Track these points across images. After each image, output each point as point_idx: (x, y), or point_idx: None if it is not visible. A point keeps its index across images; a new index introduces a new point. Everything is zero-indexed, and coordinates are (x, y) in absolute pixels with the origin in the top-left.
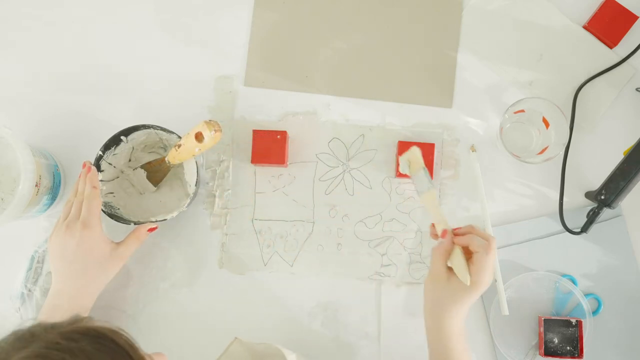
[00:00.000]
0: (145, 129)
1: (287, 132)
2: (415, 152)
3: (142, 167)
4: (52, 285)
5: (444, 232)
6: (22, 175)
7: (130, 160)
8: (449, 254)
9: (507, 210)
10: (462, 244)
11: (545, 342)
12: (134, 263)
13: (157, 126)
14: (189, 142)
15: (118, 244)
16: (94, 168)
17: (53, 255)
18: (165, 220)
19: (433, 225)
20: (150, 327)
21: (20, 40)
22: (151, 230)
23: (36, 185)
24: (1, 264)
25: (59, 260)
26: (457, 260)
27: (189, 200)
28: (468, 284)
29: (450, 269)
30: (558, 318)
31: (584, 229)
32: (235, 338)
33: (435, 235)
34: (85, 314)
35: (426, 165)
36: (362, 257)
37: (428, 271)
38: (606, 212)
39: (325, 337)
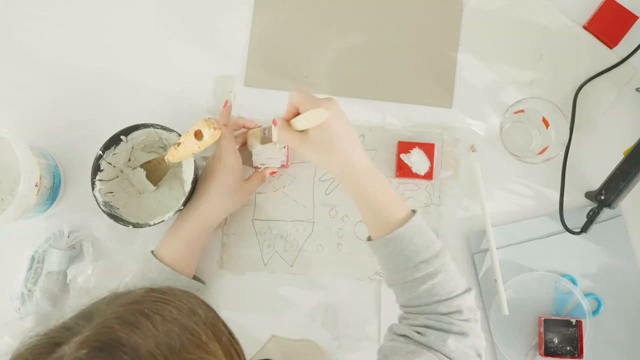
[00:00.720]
0: (145, 128)
1: None
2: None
3: (141, 166)
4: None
5: (274, 121)
6: (22, 175)
7: (129, 160)
8: (288, 122)
9: (507, 210)
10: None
11: (545, 342)
12: (134, 263)
13: (157, 125)
14: (188, 140)
15: (246, 179)
16: (229, 104)
17: (200, 176)
18: (162, 221)
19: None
20: None
21: (20, 40)
22: (272, 173)
23: (36, 185)
24: (1, 264)
25: (200, 181)
26: (300, 118)
27: (185, 199)
28: (326, 114)
29: (303, 132)
30: (558, 318)
31: (584, 229)
32: (272, 335)
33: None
34: (205, 236)
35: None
36: (362, 257)
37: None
38: (606, 212)
39: (325, 337)
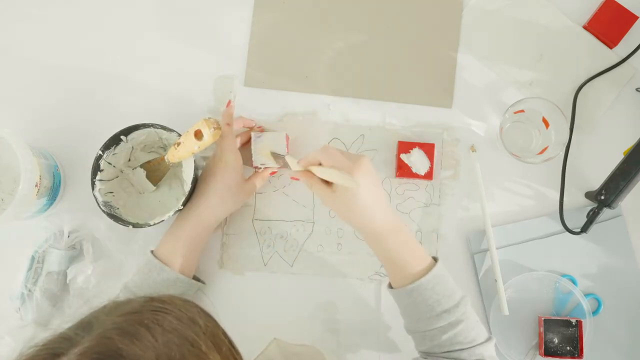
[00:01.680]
0: (145, 127)
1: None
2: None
3: (141, 166)
4: (187, 203)
5: (303, 173)
6: (22, 175)
7: (129, 160)
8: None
9: (507, 210)
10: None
11: (545, 342)
12: (134, 263)
13: (157, 124)
14: (188, 140)
15: (247, 179)
16: (232, 104)
17: (200, 176)
18: (162, 221)
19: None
20: None
21: (20, 40)
22: (272, 173)
23: (36, 186)
24: (1, 264)
25: (200, 180)
26: (328, 172)
27: (184, 199)
28: (357, 185)
29: (328, 183)
30: (558, 318)
31: (584, 229)
32: (274, 339)
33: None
34: (205, 237)
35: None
36: (362, 257)
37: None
38: (606, 212)
39: (325, 337)
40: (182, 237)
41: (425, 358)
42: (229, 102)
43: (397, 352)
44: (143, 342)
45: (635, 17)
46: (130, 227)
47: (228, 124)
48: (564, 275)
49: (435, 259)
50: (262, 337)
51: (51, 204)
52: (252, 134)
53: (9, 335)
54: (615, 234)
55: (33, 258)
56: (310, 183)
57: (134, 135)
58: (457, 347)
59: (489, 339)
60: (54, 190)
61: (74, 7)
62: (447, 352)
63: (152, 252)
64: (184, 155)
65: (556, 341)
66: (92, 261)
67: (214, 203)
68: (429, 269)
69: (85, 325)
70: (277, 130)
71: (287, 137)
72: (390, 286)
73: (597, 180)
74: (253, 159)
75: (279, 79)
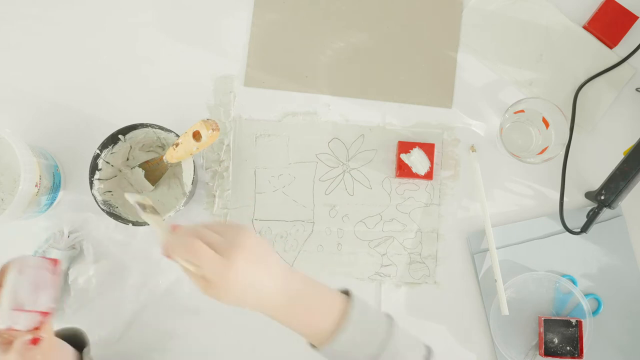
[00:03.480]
0: (144, 127)
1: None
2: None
3: (139, 166)
4: None
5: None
6: (22, 175)
7: (128, 159)
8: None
9: (507, 210)
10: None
11: (545, 342)
12: (134, 263)
13: (155, 125)
14: (186, 141)
15: None
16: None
17: None
18: (163, 220)
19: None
20: (149, 326)
21: (20, 40)
22: (35, 342)
23: (36, 185)
24: (1, 264)
25: None
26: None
27: (185, 199)
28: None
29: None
30: (558, 318)
31: (584, 229)
32: None
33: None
34: None
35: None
36: (362, 257)
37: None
38: (606, 212)
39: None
40: None
41: None
42: None
43: None
44: None
45: (635, 17)
46: (130, 225)
47: None
48: (564, 275)
49: (347, 293)
50: (261, 337)
51: (51, 204)
52: None
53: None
54: (615, 234)
55: None
56: (189, 275)
57: (132, 134)
58: None
59: None
60: (54, 190)
61: (73, 7)
62: None
63: None
64: (182, 155)
65: (556, 341)
66: (93, 261)
67: None
68: (335, 327)
69: None
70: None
71: (45, 264)
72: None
73: (597, 180)
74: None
75: (279, 79)
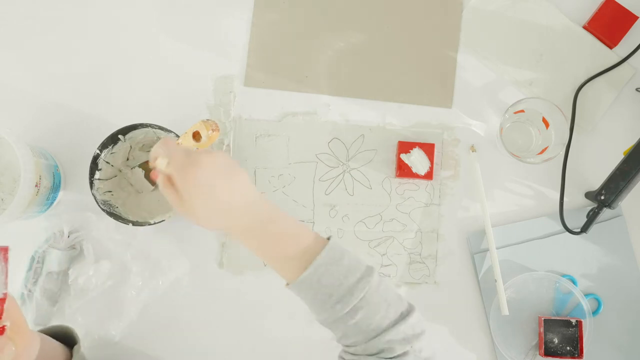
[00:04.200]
0: (143, 127)
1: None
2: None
3: (139, 166)
4: None
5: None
6: (22, 175)
7: (128, 159)
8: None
9: (507, 210)
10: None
11: (545, 342)
12: (134, 263)
13: (155, 125)
14: (186, 141)
15: None
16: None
17: None
18: (163, 220)
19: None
20: (149, 327)
21: (20, 40)
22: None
23: (36, 185)
24: None
25: None
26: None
27: None
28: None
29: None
30: (558, 318)
31: (584, 229)
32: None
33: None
34: None
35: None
36: (362, 257)
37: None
38: (606, 212)
39: (325, 338)
40: None
41: (343, 352)
42: None
43: None
44: None
45: (635, 17)
46: (130, 225)
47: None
48: (564, 275)
49: (328, 238)
50: (261, 337)
51: (51, 204)
52: None
53: None
54: (615, 234)
55: (33, 258)
56: (161, 185)
57: (131, 134)
58: (361, 338)
59: (400, 319)
60: (54, 190)
61: (73, 7)
62: (355, 345)
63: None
64: None
65: (556, 341)
66: (94, 261)
67: None
68: (310, 260)
69: None
70: None
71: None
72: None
73: (597, 180)
74: None
75: (279, 79)
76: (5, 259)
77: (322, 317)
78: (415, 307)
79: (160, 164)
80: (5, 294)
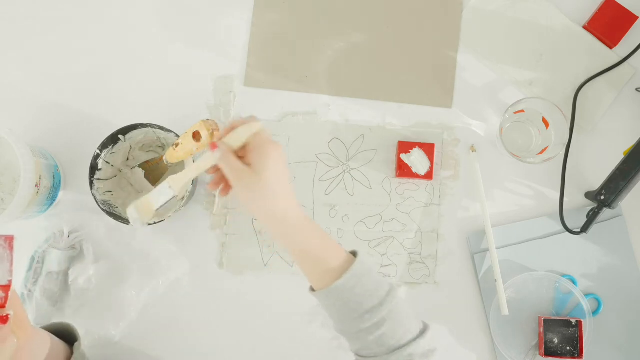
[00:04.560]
0: (143, 127)
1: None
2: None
3: (139, 166)
4: None
5: (213, 145)
6: (22, 175)
7: (128, 159)
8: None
9: (507, 210)
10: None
11: (545, 342)
12: (134, 263)
13: (155, 125)
14: (186, 141)
15: None
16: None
17: None
18: (163, 220)
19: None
20: (149, 327)
21: (20, 40)
22: (3, 320)
23: (36, 185)
24: None
25: None
26: (233, 138)
27: (185, 200)
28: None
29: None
30: (558, 318)
31: (584, 229)
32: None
33: (214, 185)
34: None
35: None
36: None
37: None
38: (606, 212)
39: (325, 338)
40: None
41: None
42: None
43: None
44: None
45: (635, 17)
46: (130, 225)
47: None
48: (564, 275)
49: (354, 254)
50: (261, 337)
51: (51, 204)
52: None
53: None
54: (615, 234)
55: (33, 258)
56: (223, 156)
57: (131, 134)
58: (384, 350)
59: (420, 334)
60: (54, 190)
61: (73, 7)
62: (375, 356)
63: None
64: (182, 156)
65: (556, 341)
66: (93, 262)
67: None
68: (345, 268)
69: None
70: None
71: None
72: (311, 289)
73: (597, 180)
74: None
75: (279, 79)
76: (11, 248)
77: (345, 327)
78: (429, 326)
79: (243, 133)
80: (9, 282)
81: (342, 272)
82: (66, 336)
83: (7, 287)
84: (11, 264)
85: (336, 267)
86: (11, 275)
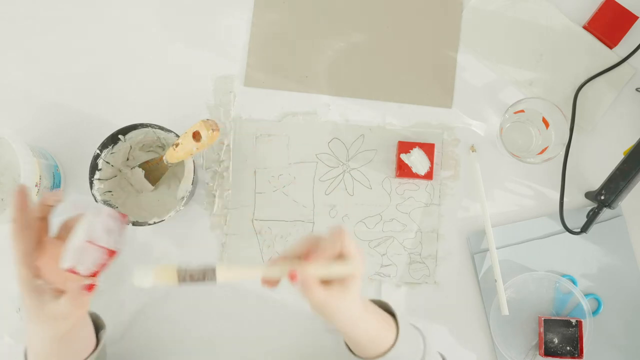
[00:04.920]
0: (143, 127)
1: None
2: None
3: (139, 166)
4: None
5: (293, 274)
6: (22, 175)
7: (128, 159)
8: (317, 280)
9: (507, 211)
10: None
11: (545, 342)
12: (134, 263)
13: (155, 125)
14: (186, 141)
15: (55, 299)
16: (22, 188)
17: None
18: (163, 220)
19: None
20: (149, 327)
21: (20, 40)
22: (90, 288)
23: (36, 185)
24: (1, 264)
25: None
26: (325, 267)
27: (185, 200)
28: (359, 269)
29: (324, 282)
30: (558, 318)
31: (584, 229)
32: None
33: (270, 283)
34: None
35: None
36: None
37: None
38: (606, 212)
39: (325, 337)
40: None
41: None
42: (20, 188)
43: None
44: None
45: (635, 17)
46: (130, 225)
47: (14, 219)
48: (564, 275)
49: (396, 322)
50: (261, 337)
51: None
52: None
53: (9, 335)
54: (615, 234)
55: None
56: (306, 287)
57: (132, 134)
58: None
59: None
60: (54, 190)
61: (73, 7)
62: None
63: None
64: (182, 156)
65: (556, 341)
66: None
67: (28, 326)
68: (389, 344)
69: None
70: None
71: (116, 215)
72: (349, 349)
73: (597, 180)
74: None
75: (279, 79)
76: (125, 223)
77: None
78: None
79: (337, 271)
80: (119, 250)
81: (389, 343)
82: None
83: (114, 253)
84: (124, 238)
85: (388, 337)
86: (122, 245)
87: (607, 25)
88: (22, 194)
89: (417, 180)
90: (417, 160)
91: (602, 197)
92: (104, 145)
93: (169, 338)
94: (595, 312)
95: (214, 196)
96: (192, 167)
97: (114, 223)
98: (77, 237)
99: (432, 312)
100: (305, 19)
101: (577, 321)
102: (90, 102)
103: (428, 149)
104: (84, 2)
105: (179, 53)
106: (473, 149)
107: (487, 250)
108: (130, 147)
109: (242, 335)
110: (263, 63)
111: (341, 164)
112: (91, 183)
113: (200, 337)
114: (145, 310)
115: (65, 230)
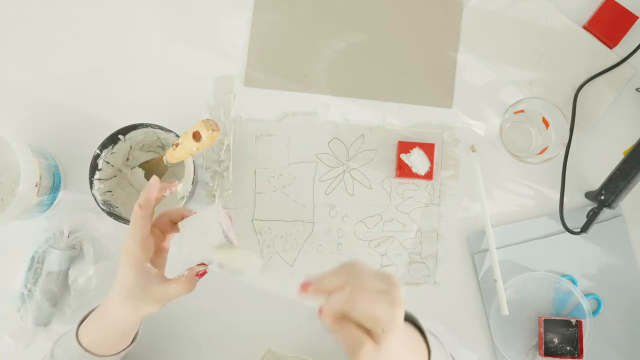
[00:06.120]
0: (143, 127)
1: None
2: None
3: (139, 166)
4: None
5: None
6: (22, 175)
7: (128, 159)
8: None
9: (507, 211)
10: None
11: (545, 342)
12: None
13: (155, 125)
14: (186, 141)
15: (168, 281)
16: (157, 183)
17: None
18: None
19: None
20: (149, 327)
21: (20, 40)
22: (202, 274)
23: (36, 185)
24: (1, 264)
25: None
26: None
27: (185, 200)
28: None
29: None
30: (558, 318)
31: (584, 229)
32: (268, 350)
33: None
34: (126, 332)
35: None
36: (362, 257)
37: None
38: (606, 212)
39: (325, 338)
40: (109, 328)
41: None
42: (154, 180)
43: None
44: None
45: (635, 17)
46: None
47: (141, 206)
48: (564, 275)
49: (424, 338)
50: (262, 338)
51: (51, 204)
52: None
53: (9, 335)
54: (615, 234)
55: (33, 258)
56: (350, 344)
57: (131, 134)
58: None
59: None
60: (54, 190)
61: (73, 7)
62: None
63: (77, 339)
64: (182, 156)
65: (556, 341)
66: (94, 262)
67: (114, 303)
68: None
69: None
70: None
71: (225, 214)
72: None
73: (597, 180)
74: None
75: (279, 79)
76: (229, 219)
77: None
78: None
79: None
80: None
81: None
82: None
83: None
84: (232, 232)
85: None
86: (232, 241)
87: (607, 25)
88: (155, 186)
89: (417, 180)
90: (417, 160)
91: (602, 197)
92: (104, 145)
93: (169, 338)
94: (595, 312)
95: (214, 196)
96: (192, 167)
97: (229, 221)
98: (224, 225)
99: (432, 312)
100: (305, 19)
101: (577, 321)
102: (90, 102)
103: (428, 149)
104: (84, 2)
105: (179, 53)
106: (473, 149)
107: (487, 250)
108: (130, 147)
109: (243, 335)
110: (263, 63)
111: (341, 164)
112: (91, 183)
113: (201, 337)
114: None
115: (162, 219)
